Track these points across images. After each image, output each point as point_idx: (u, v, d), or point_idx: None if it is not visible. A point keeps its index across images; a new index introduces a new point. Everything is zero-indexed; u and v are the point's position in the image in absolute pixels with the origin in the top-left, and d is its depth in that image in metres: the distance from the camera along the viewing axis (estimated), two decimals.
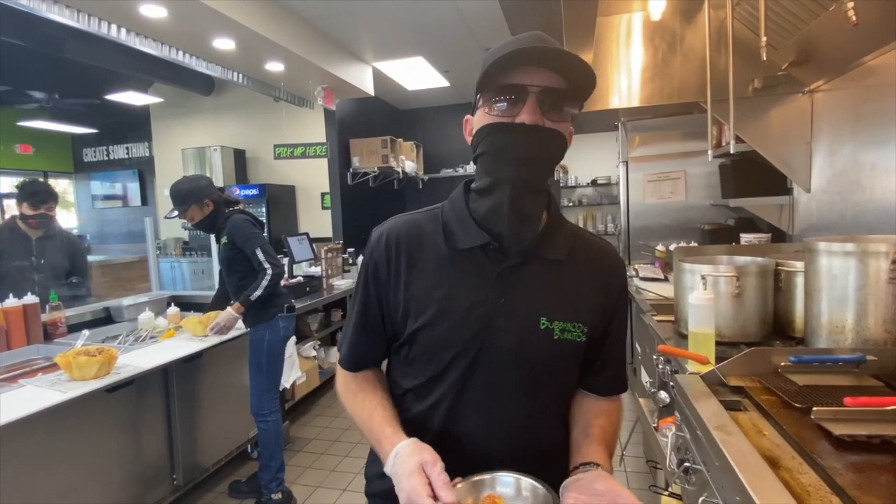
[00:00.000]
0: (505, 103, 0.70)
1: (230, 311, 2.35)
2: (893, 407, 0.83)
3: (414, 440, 0.72)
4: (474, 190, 0.78)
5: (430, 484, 0.64)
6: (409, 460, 0.67)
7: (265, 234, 2.48)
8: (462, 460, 0.72)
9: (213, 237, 2.62)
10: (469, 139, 0.78)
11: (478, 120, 0.74)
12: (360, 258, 0.87)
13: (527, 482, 0.71)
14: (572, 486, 0.70)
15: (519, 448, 0.78)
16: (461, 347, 0.75)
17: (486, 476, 0.71)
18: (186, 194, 2.30)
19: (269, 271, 2.30)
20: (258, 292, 2.29)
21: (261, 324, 2.39)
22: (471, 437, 0.75)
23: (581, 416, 0.84)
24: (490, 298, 0.75)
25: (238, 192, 5.01)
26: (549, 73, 0.70)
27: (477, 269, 0.76)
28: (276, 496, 2.38)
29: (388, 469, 0.70)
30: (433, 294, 0.76)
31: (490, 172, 0.73)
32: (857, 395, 0.87)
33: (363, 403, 0.81)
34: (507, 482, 0.71)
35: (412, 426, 0.78)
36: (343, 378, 0.88)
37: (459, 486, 0.68)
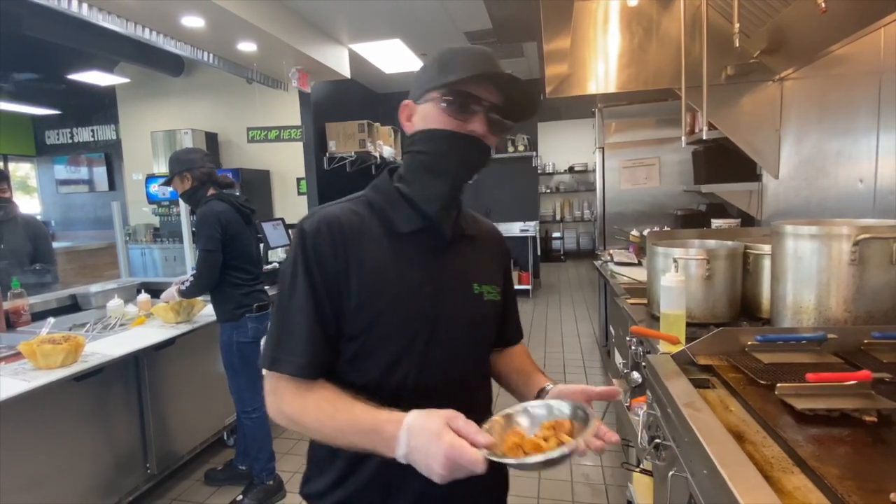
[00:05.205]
0: (462, 110, 0.78)
1: (172, 289, 2.33)
2: (852, 382, 0.87)
3: (416, 411, 0.69)
4: (413, 180, 0.84)
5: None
6: (428, 426, 0.66)
7: (251, 227, 2.39)
8: None
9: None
10: (407, 125, 0.86)
11: (429, 116, 0.81)
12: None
13: (556, 404, 0.76)
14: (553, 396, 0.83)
15: (472, 396, 0.87)
16: (421, 322, 0.80)
17: (510, 411, 0.76)
18: (174, 163, 2.29)
19: (189, 280, 2.24)
20: (183, 287, 2.27)
21: (227, 323, 2.29)
22: (436, 400, 0.73)
23: (512, 361, 0.99)
24: (434, 274, 0.83)
25: None
26: (498, 94, 0.80)
27: (418, 250, 0.83)
28: (269, 482, 2.38)
29: (400, 452, 0.67)
30: (386, 277, 0.80)
31: (439, 171, 0.82)
32: (819, 371, 0.91)
33: (334, 405, 0.75)
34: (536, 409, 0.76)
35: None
36: (294, 394, 0.77)
37: (486, 428, 0.69)
